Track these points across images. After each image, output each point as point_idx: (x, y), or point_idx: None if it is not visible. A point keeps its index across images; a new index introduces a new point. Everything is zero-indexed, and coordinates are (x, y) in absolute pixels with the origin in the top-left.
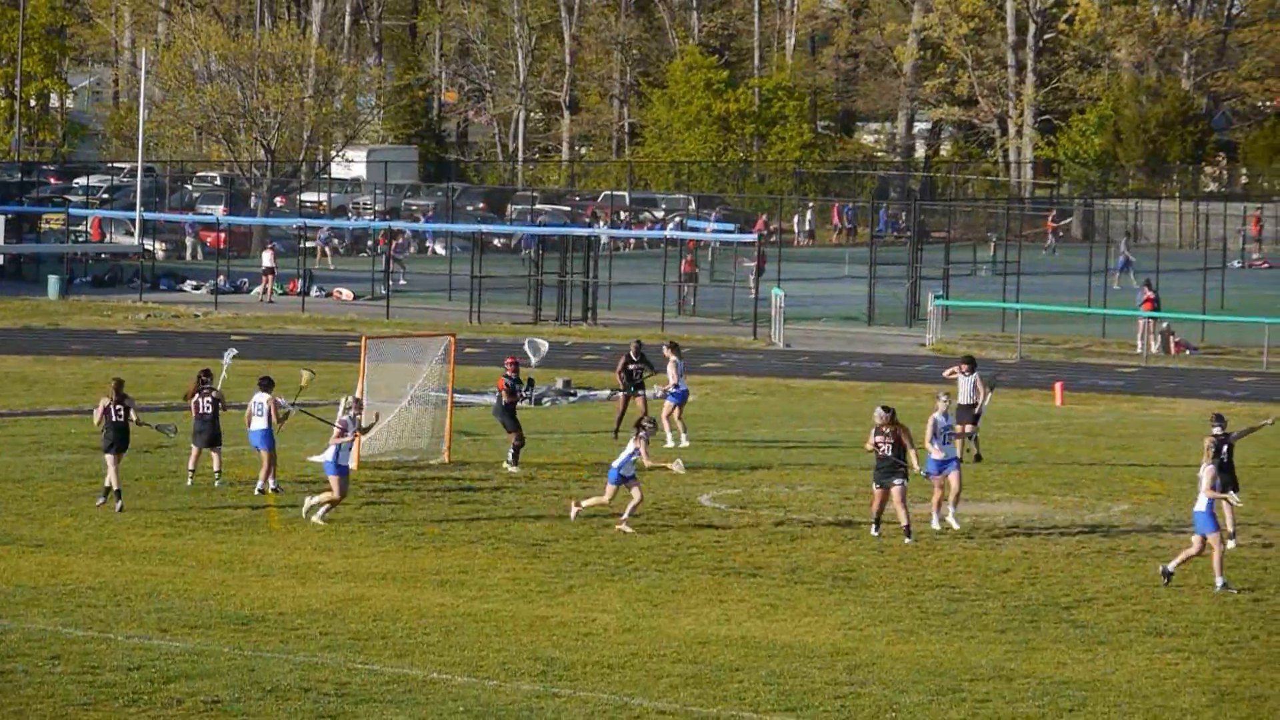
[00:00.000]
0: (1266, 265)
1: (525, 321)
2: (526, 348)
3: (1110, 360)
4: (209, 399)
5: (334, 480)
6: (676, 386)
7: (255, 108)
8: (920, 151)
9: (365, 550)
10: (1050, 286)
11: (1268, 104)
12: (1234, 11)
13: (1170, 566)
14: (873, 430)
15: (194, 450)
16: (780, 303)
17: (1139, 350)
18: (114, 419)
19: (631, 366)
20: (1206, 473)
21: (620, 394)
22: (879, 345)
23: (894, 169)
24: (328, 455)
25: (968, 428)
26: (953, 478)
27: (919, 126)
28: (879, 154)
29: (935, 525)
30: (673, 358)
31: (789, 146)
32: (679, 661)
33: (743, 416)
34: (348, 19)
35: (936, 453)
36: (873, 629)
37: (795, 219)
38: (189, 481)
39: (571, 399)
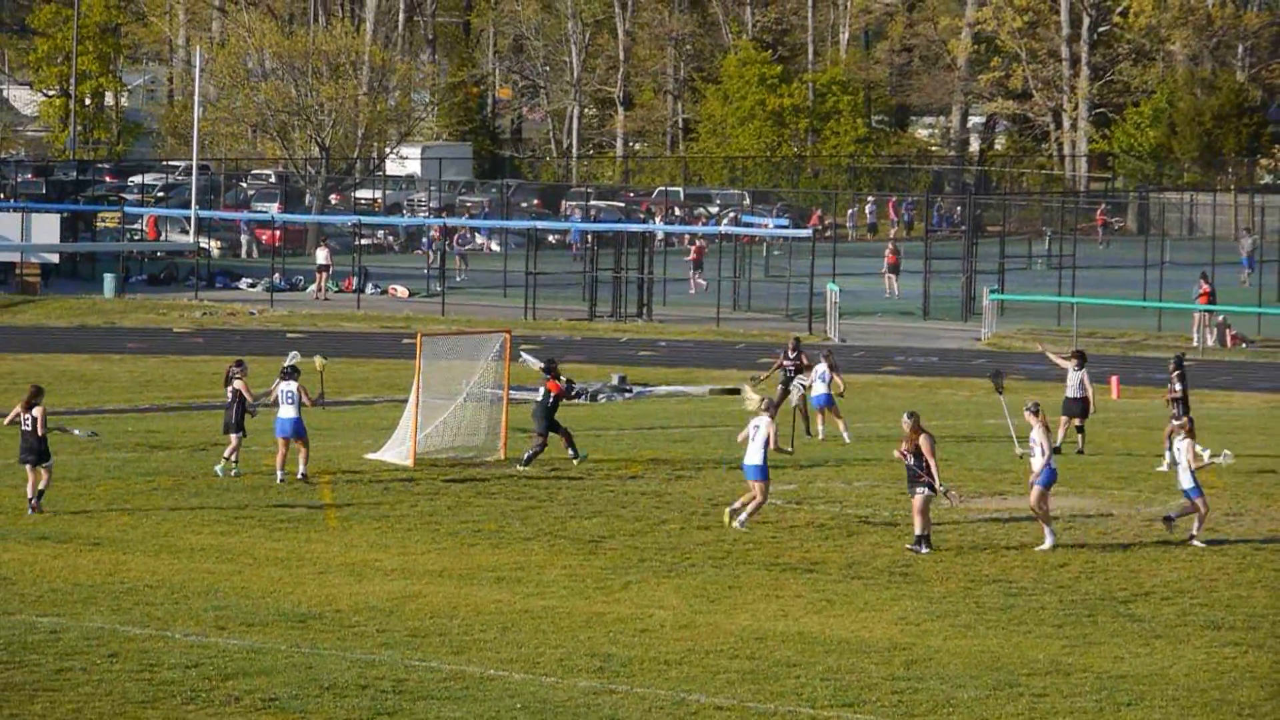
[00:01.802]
0: None
1: (580, 318)
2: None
3: (1166, 354)
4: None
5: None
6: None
7: (309, 105)
8: (974, 146)
9: (421, 547)
10: (1105, 280)
11: None
12: None
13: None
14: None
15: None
16: (835, 297)
17: (1195, 343)
18: (23, 428)
19: (787, 363)
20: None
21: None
22: (934, 340)
23: (948, 163)
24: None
25: (1077, 421)
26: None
27: (973, 120)
28: (933, 148)
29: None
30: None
31: (843, 141)
32: (736, 657)
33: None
34: (401, 16)
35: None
36: (930, 624)
37: (850, 213)
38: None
39: (627, 395)
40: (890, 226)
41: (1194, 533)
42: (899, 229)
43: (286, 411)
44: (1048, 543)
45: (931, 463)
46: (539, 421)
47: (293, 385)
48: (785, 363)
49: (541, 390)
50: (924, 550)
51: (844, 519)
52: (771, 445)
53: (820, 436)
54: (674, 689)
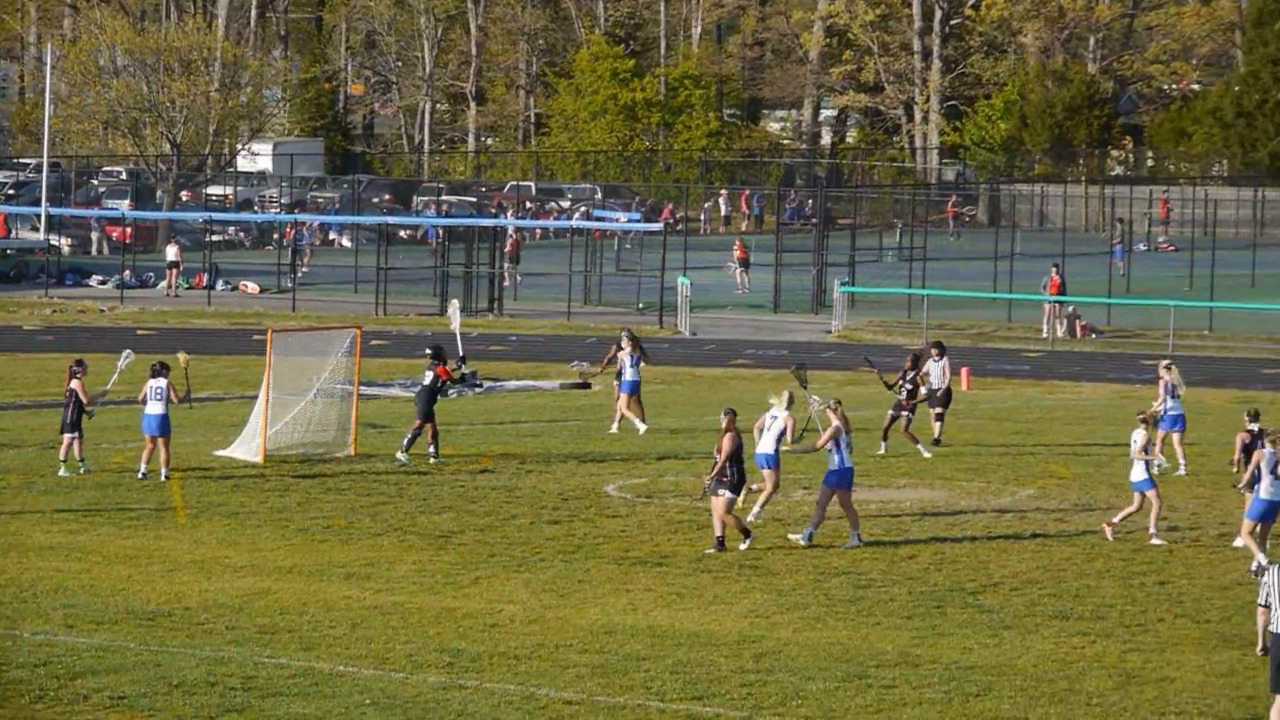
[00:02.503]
0: (1173, 248)
1: (431, 313)
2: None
3: (1016, 345)
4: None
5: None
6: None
7: (161, 102)
8: (826, 138)
9: (271, 544)
10: (956, 272)
11: (1174, 87)
12: None
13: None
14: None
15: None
16: (686, 291)
17: (1045, 334)
18: None
19: (622, 354)
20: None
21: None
22: (785, 333)
23: (800, 156)
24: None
25: (938, 409)
26: None
27: (825, 113)
28: (785, 141)
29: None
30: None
31: (695, 135)
32: (585, 651)
33: (648, 405)
34: (253, 12)
35: None
36: (779, 616)
37: (705, 207)
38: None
39: (478, 390)
40: (742, 220)
41: (1151, 530)
42: (750, 222)
43: (154, 408)
44: (851, 542)
45: (730, 465)
46: (421, 406)
47: (162, 382)
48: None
49: (429, 375)
50: (717, 550)
51: (694, 513)
52: (788, 439)
53: (614, 429)
54: (523, 683)
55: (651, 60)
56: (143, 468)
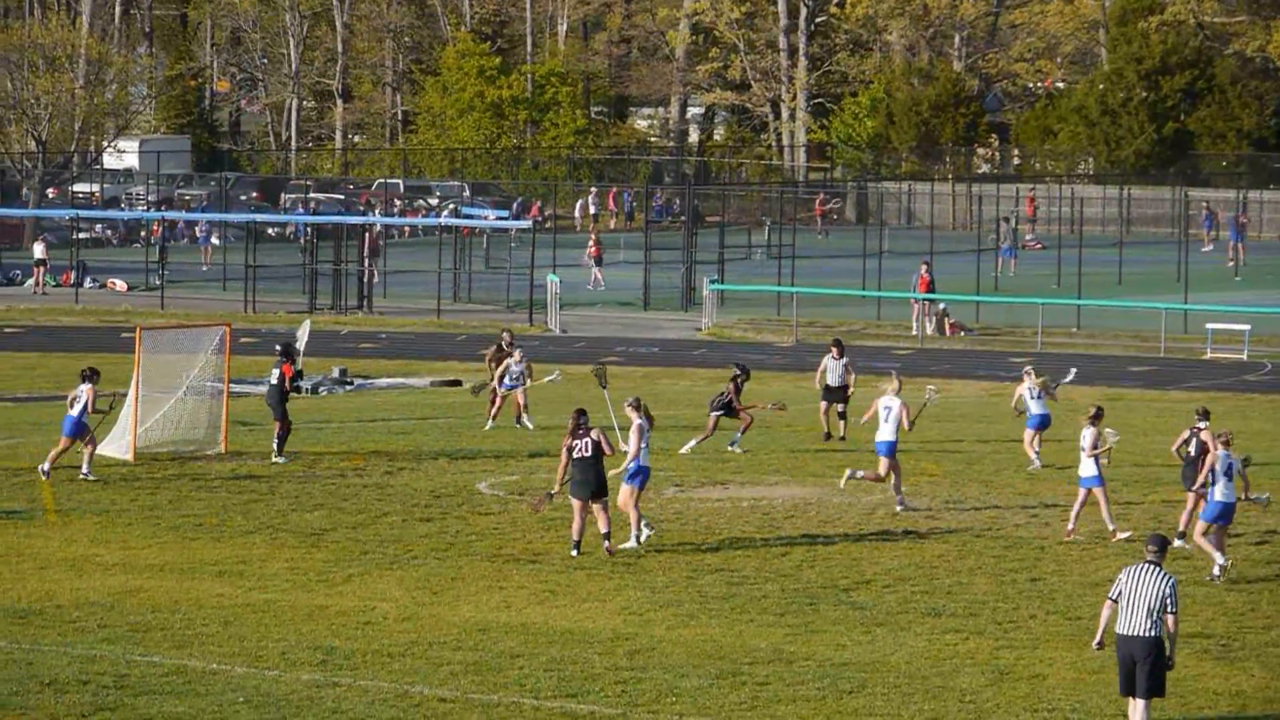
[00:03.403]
0: (1040, 246)
1: (300, 310)
2: (302, 331)
3: (886, 342)
4: None
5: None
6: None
7: (25, 99)
8: (694, 136)
9: (142, 542)
10: (825, 269)
11: (1039, 85)
12: None
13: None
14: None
15: None
16: (556, 288)
17: (914, 332)
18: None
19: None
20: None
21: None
22: (655, 330)
23: (668, 154)
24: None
25: (840, 408)
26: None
27: (692, 111)
28: (653, 139)
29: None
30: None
31: (562, 133)
32: (459, 649)
33: (540, 404)
34: (118, 9)
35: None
36: (653, 613)
37: (579, 204)
38: None
39: (348, 387)
40: (610, 217)
41: (1111, 526)
42: (618, 219)
43: (75, 410)
44: (632, 542)
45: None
46: (275, 406)
47: (85, 387)
48: (507, 360)
49: (276, 373)
50: (576, 553)
51: (566, 510)
52: (904, 425)
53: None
54: (397, 681)
55: (518, 57)
56: (45, 465)
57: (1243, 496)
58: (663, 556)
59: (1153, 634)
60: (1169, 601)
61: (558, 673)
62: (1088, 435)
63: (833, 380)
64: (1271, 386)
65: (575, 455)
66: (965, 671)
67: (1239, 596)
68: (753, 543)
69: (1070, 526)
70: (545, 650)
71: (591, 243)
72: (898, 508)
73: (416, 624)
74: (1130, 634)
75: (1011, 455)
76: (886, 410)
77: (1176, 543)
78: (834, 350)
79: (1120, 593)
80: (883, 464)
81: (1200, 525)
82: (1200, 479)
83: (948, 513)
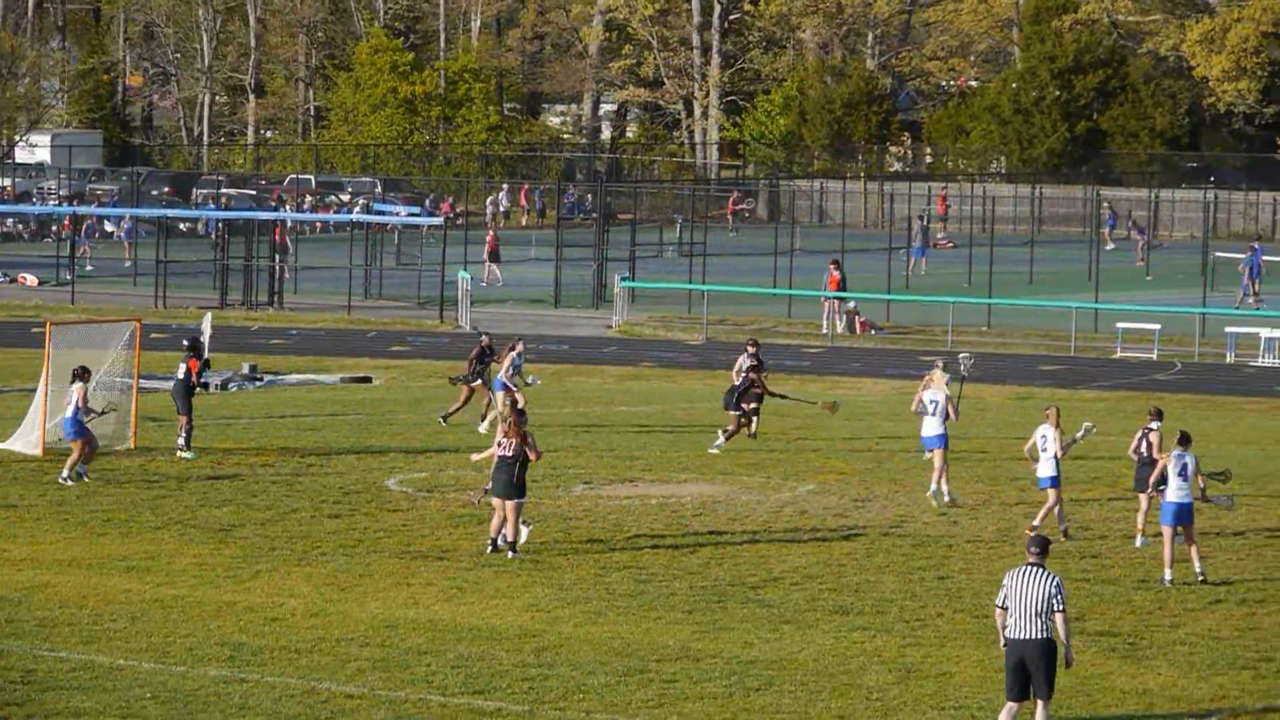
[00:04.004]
0: (951, 245)
1: (211, 306)
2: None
3: (797, 341)
4: None
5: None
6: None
7: None
8: (606, 133)
9: (50, 537)
10: (737, 267)
11: (952, 84)
12: None
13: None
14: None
15: None
16: (467, 285)
17: (825, 331)
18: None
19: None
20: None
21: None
22: (566, 327)
23: (580, 151)
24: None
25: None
26: None
27: (605, 108)
28: (565, 136)
29: None
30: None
31: (475, 129)
32: (367, 645)
33: (430, 400)
34: (30, 2)
35: None
36: (560, 611)
37: (489, 201)
38: None
39: (258, 383)
40: (522, 214)
41: (1036, 522)
42: (530, 216)
43: (70, 411)
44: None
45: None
46: (180, 400)
47: (76, 387)
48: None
49: (182, 368)
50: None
51: (474, 507)
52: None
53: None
54: (304, 677)
55: (431, 54)
56: (66, 473)
57: (1199, 497)
58: (571, 554)
59: (1043, 636)
60: (1055, 601)
61: (465, 669)
62: (1049, 434)
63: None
64: (1181, 386)
65: (500, 453)
66: (872, 669)
67: (1146, 595)
68: (661, 540)
69: (1034, 523)
70: (453, 647)
71: (489, 238)
72: (946, 498)
73: (324, 620)
74: (1021, 637)
75: (919, 454)
76: (933, 404)
77: (1138, 542)
78: (750, 348)
79: (1006, 597)
80: (937, 456)
81: (1166, 530)
82: (1154, 478)
83: (856, 511)
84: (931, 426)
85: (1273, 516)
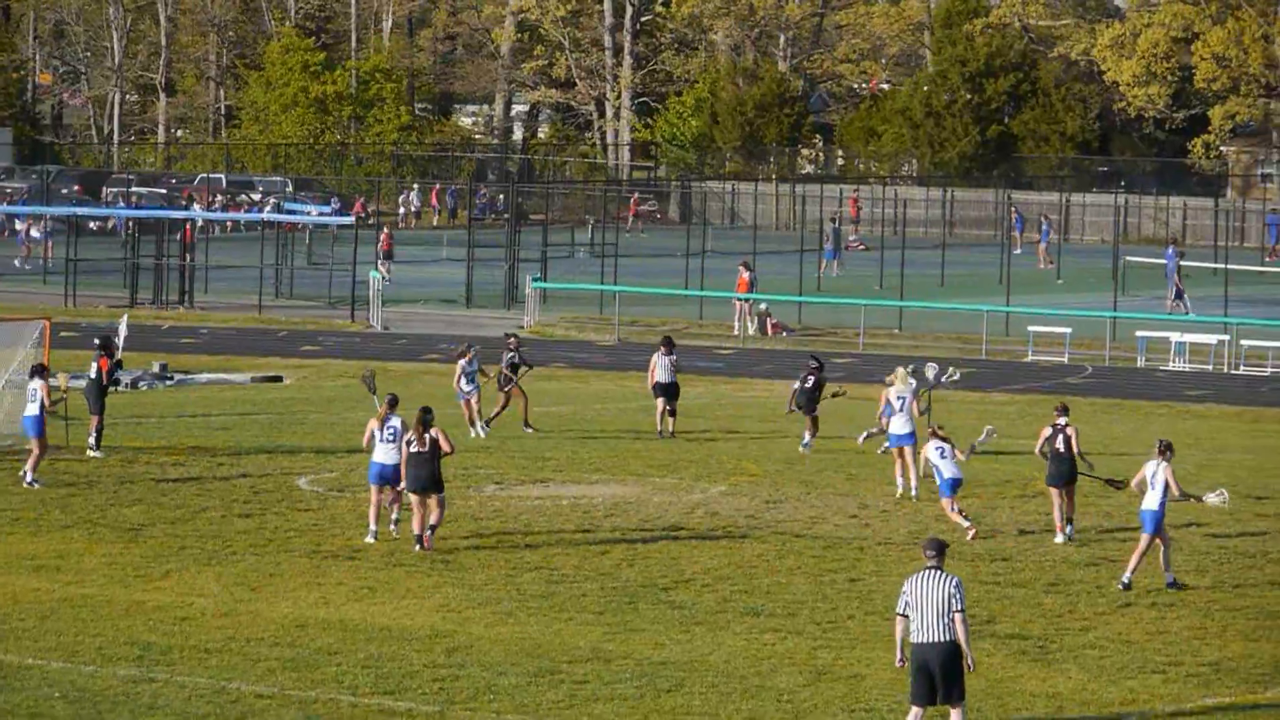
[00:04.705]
0: (863, 247)
1: (121, 305)
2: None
3: (708, 342)
4: None
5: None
6: None
7: None
8: (518, 134)
9: None
10: (649, 269)
11: (864, 86)
12: None
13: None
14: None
15: None
16: (378, 285)
17: (736, 332)
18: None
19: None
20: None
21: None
22: (478, 328)
23: (492, 151)
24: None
25: (670, 405)
26: None
27: (517, 109)
28: (477, 136)
29: None
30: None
31: (387, 129)
32: (277, 645)
33: (341, 400)
34: None
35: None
36: (471, 611)
37: (401, 199)
38: None
39: (168, 383)
40: (433, 215)
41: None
42: (441, 216)
43: (31, 410)
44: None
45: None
46: (92, 400)
47: (37, 383)
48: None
49: (94, 367)
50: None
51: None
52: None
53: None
54: (214, 677)
55: (342, 53)
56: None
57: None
58: (482, 554)
59: (948, 638)
60: (954, 601)
61: (375, 669)
62: (946, 449)
63: (662, 377)
64: (1092, 389)
65: (413, 450)
66: (783, 671)
67: (1057, 598)
68: (572, 541)
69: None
70: (363, 647)
71: (383, 236)
72: (912, 493)
73: (234, 620)
74: (925, 641)
75: (831, 456)
76: (900, 400)
77: (1057, 539)
78: (663, 347)
79: (908, 604)
80: (907, 453)
81: (1143, 539)
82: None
83: (768, 513)
84: (900, 424)
85: (1182, 518)
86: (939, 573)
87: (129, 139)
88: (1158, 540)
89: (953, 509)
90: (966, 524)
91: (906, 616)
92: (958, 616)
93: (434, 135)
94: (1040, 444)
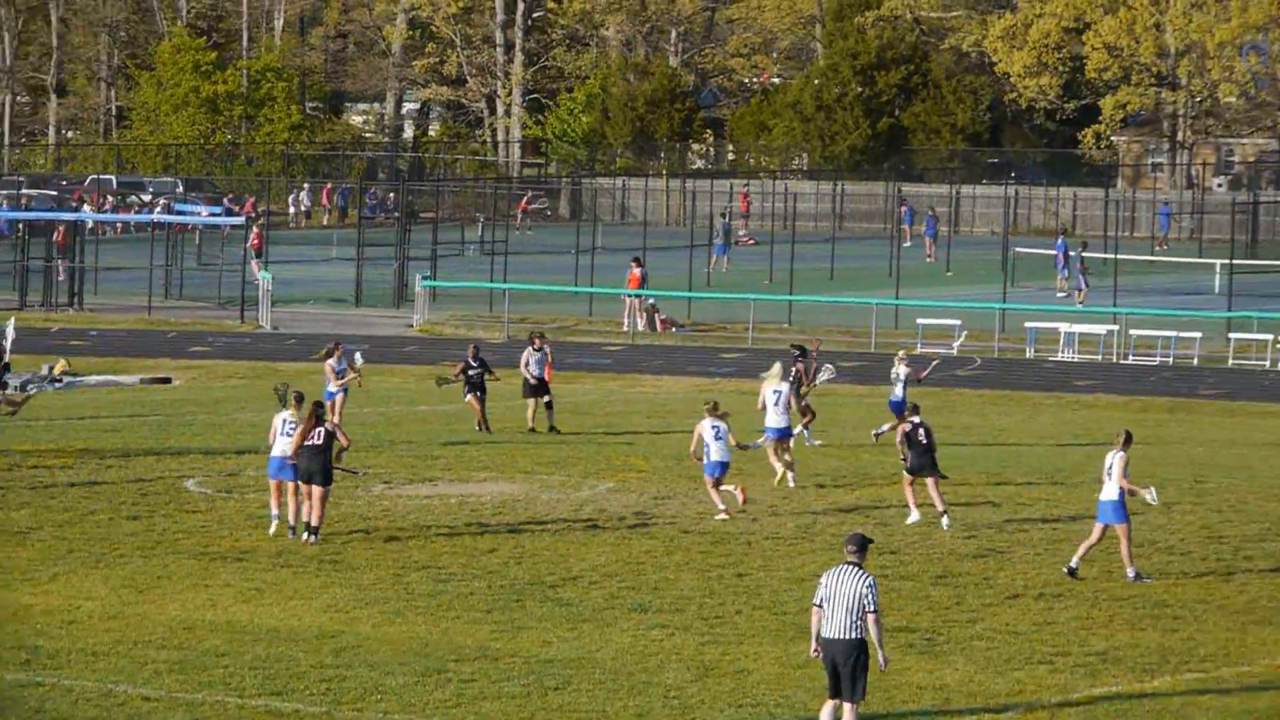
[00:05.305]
0: (753, 242)
1: (11, 307)
2: (9, 328)
3: (598, 339)
4: None
5: None
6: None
7: None
8: (409, 132)
9: None
10: (539, 266)
11: (754, 80)
12: None
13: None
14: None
15: None
16: (267, 285)
17: (626, 328)
18: None
19: (471, 371)
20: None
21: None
22: (367, 327)
23: (383, 150)
24: None
25: (546, 398)
26: None
27: (408, 107)
28: (368, 135)
29: None
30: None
31: (277, 128)
32: (164, 647)
33: (229, 400)
34: None
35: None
36: (359, 611)
37: (291, 199)
38: None
39: (57, 385)
40: (324, 213)
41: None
42: (331, 215)
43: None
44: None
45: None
46: None
47: None
48: (471, 371)
49: None
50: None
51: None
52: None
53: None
54: (101, 680)
55: (234, 53)
56: None
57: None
58: (370, 554)
59: (854, 636)
60: (867, 600)
61: (263, 671)
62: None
63: (535, 371)
64: (981, 381)
65: (308, 443)
66: (670, 667)
67: (944, 590)
68: (460, 540)
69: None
70: (250, 648)
71: (254, 235)
72: (790, 483)
73: (121, 623)
74: (832, 637)
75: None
76: (775, 394)
77: (910, 518)
78: (535, 342)
79: (823, 596)
80: (773, 446)
81: (1097, 528)
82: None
83: (655, 509)
84: (775, 418)
85: (1069, 509)
86: (855, 570)
87: (19, 140)
88: (1114, 530)
89: (714, 489)
90: (722, 507)
91: (822, 608)
92: (870, 616)
93: (325, 134)
94: (899, 441)
